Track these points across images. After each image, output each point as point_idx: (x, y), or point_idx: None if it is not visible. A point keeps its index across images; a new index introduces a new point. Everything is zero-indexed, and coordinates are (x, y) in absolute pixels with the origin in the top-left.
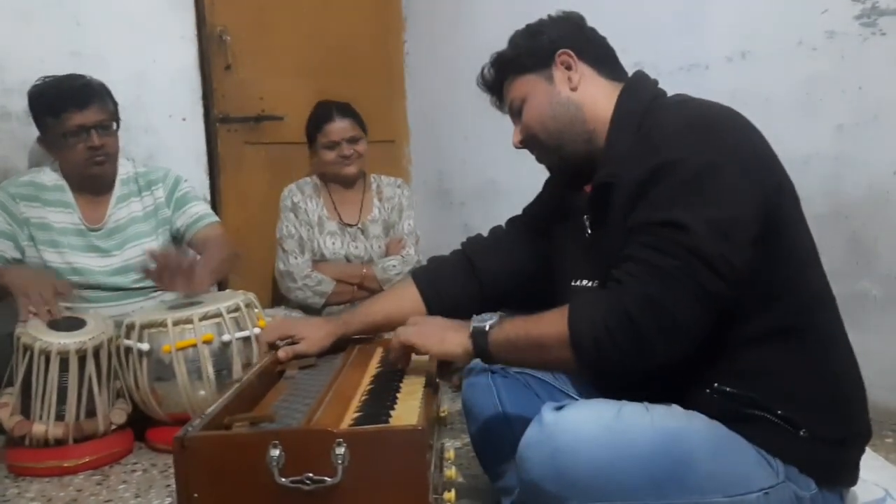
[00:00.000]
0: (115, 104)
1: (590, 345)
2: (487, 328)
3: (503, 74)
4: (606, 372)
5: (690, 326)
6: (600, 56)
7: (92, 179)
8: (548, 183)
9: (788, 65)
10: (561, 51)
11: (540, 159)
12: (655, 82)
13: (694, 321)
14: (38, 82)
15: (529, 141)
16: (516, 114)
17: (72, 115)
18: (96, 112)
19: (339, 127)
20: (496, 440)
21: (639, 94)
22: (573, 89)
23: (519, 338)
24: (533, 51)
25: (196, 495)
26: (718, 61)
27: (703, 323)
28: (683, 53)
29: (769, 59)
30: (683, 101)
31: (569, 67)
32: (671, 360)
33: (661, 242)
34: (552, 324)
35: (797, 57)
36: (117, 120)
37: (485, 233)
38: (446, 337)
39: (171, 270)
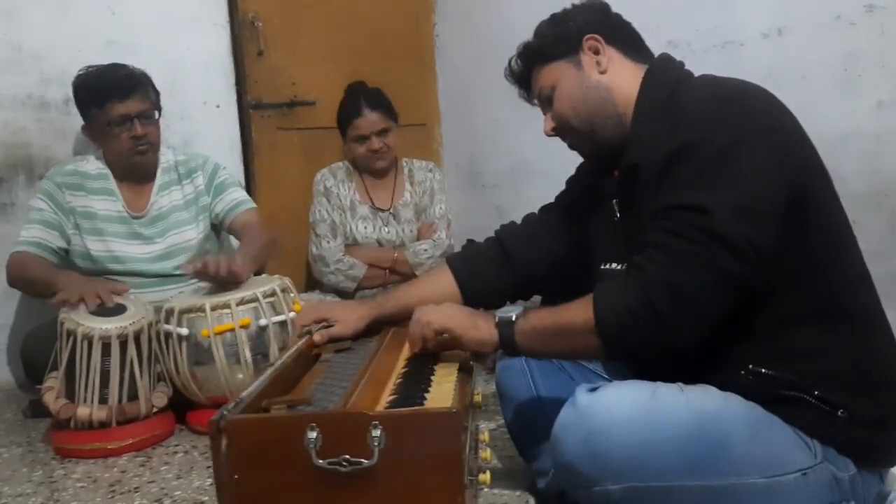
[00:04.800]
0: (157, 93)
1: (615, 330)
2: (513, 318)
3: (531, 64)
4: (633, 356)
5: (712, 310)
6: (626, 39)
7: (135, 168)
8: (579, 169)
9: (826, 40)
10: (588, 36)
11: (573, 146)
12: (681, 64)
13: (715, 305)
14: (81, 72)
15: (562, 128)
16: (546, 102)
17: (115, 105)
18: (139, 102)
19: (369, 121)
20: (531, 423)
21: (664, 75)
22: (602, 72)
23: (545, 327)
24: (560, 38)
25: (236, 476)
26: (754, 38)
27: (725, 306)
28: (718, 30)
29: (806, 35)
30: (709, 80)
31: (596, 52)
32: (693, 343)
33: (682, 227)
34: (577, 312)
35: (835, 32)
36: (159, 109)
37: (517, 215)
38: (478, 324)
39: (211, 275)
